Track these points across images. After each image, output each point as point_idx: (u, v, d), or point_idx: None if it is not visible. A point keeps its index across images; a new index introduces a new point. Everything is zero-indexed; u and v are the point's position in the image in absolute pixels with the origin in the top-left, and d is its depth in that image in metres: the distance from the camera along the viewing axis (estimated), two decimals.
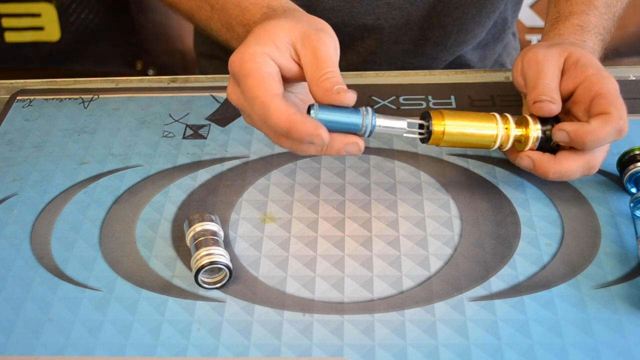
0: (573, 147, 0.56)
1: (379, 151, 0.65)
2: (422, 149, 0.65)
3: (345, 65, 0.83)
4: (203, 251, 0.52)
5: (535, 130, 0.57)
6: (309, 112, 0.52)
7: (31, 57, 1.62)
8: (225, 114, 0.70)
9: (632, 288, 0.52)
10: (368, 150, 0.65)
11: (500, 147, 0.57)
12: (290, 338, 0.50)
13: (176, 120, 0.70)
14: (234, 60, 0.53)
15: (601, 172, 0.62)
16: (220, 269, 0.53)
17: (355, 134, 0.53)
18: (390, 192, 0.61)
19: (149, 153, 0.66)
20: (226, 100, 0.71)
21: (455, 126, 0.55)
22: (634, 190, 0.60)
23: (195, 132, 0.68)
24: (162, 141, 0.67)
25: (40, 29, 1.59)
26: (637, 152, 0.59)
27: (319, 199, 0.60)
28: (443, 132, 0.55)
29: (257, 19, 0.59)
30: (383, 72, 0.76)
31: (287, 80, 0.54)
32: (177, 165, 0.64)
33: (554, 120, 0.57)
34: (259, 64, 0.52)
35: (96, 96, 0.73)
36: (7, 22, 1.59)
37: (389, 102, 0.71)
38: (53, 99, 0.73)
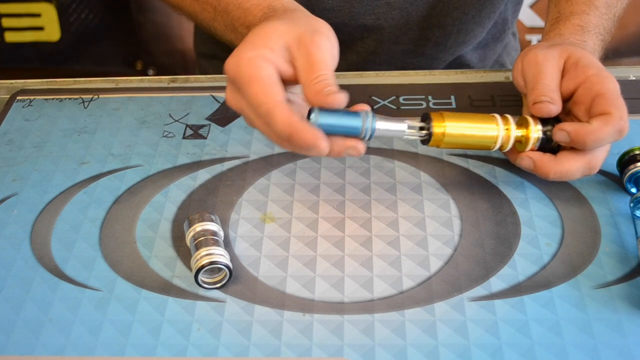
0: (574, 148, 0.56)
1: (379, 151, 0.65)
2: (422, 149, 0.65)
3: (345, 65, 0.83)
4: (203, 251, 0.52)
5: (535, 131, 0.56)
6: (309, 115, 0.52)
7: (31, 57, 1.62)
8: (225, 114, 0.70)
9: (632, 288, 0.52)
10: (368, 150, 0.65)
11: (500, 148, 0.57)
12: (290, 338, 0.50)
13: (176, 120, 0.70)
14: (230, 65, 0.53)
15: (601, 172, 0.62)
16: (220, 269, 0.53)
17: (356, 137, 0.53)
18: (390, 192, 0.61)
19: (149, 153, 0.66)
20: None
21: (456, 128, 0.55)
22: (634, 190, 0.60)
23: (195, 132, 0.68)
24: (162, 141, 0.67)
25: (40, 29, 1.59)
26: (637, 152, 0.59)
27: (319, 199, 0.60)
28: (443, 134, 0.55)
29: (259, 19, 0.58)
30: (383, 72, 0.76)
31: (285, 83, 0.54)
32: (177, 165, 0.64)
33: (555, 120, 0.57)
34: (258, 69, 0.52)
35: (96, 96, 0.73)
36: (7, 22, 1.59)
37: (389, 102, 0.71)
38: (53, 99, 0.73)
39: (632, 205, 0.57)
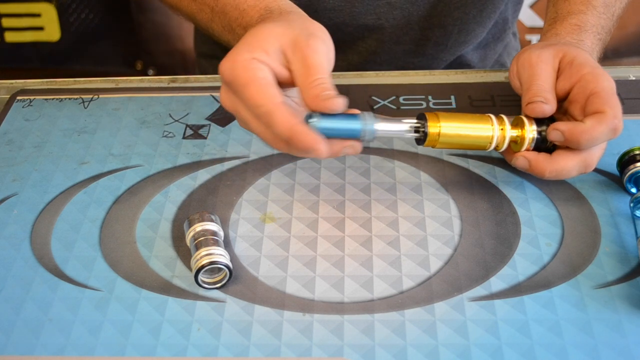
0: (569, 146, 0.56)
1: (379, 151, 0.65)
2: (422, 149, 0.65)
3: (346, 65, 0.83)
4: (203, 251, 0.52)
5: (530, 131, 0.57)
6: (308, 118, 0.52)
7: (31, 57, 1.62)
8: (225, 114, 0.70)
9: (632, 288, 0.52)
10: (368, 150, 0.65)
11: (496, 148, 0.58)
12: (290, 338, 0.50)
13: (176, 120, 0.70)
14: (225, 67, 0.52)
15: (601, 172, 0.62)
16: (220, 269, 0.53)
17: (356, 139, 0.53)
18: (390, 192, 0.61)
19: (149, 153, 0.66)
20: None
21: (451, 128, 0.56)
22: (634, 190, 0.60)
23: (195, 132, 0.68)
24: (162, 141, 0.67)
25: (40, 29, 1.59)
26: (637, 152, 0.59)
27: (319, 199, 0.60)
28: (439, 134, 0.55)
29: (255, 21, 0.58)
30: (383, 72, 0.76)
31: (280, 86, 0.54)
32: (177, 165, 0.64)
33: (550, 120, 0.57)
34: (254, 71, 0.52)
35: (96, 96, 0.73)
36: (7, 22, 1.59)
37: (389, 102, 0.71)
38: (53, 99, 0.73)
39: (632, 205, 0.57)
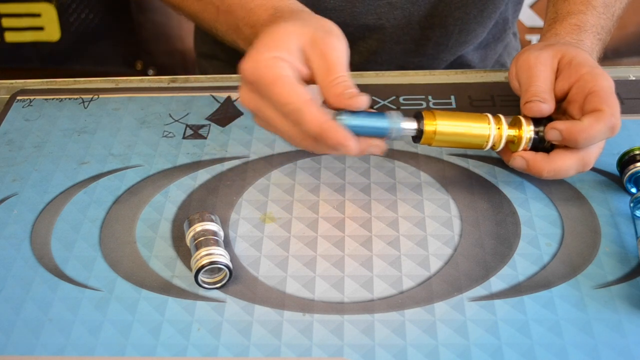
0: (567, 145, 0.56)
1: None
2: (422, 149, 0.65)
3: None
4: (203, 251, 0.52)
5: (528, 132, 0.57)
6: (337, 116, 0.53)
7: (31, 57, 1.62)
8: (225, 114, 0.70)
9: (632, 288, 0.52)
10: None
11: (493, 148, 0.58)
12: (290, 338, 0.50)
13: (176, 120, 0.70)
14: (247, 67, 0.53)
15: (601, 172, 0.62)
16: (220, 269, 0.53)
17: (382, 137, 0.54)
18: (390, 192, 0.61)
19: (149, 153, 0.66)
20: (226, 100, 0.71)
21: (447, 126, 0.56)
22: (634, 190, 0.60)
23: (195, 132, 0.68)
24: (162, 141, 0.67)
25: (40, 29, 1.59)
26: (637, 152, 0.59)
27: (319, 199, 0.60)
28: (434, 132, 0.56)
29: (264, 20, 0.58)
30: (383, 72, 0.76)
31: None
32: (177, 165, 0.64)
33: (548, 120, 0.57)
34: (278, 69, 0.52)
35: (96, 96, 0.73)
36: (7, 22, 1.59)
37: (389, 102, 0.71)
38: (53, 99, 0.73)
39: (632, 205, 0.57)
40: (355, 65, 0.83)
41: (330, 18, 0.65)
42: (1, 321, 0.51)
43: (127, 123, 0.69)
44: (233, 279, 0.53)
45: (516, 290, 0.52)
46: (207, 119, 0.70)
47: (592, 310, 0.51)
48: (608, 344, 0.48)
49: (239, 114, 0.70)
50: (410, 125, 0.56)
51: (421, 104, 0.70)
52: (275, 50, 0.53)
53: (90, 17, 1.57)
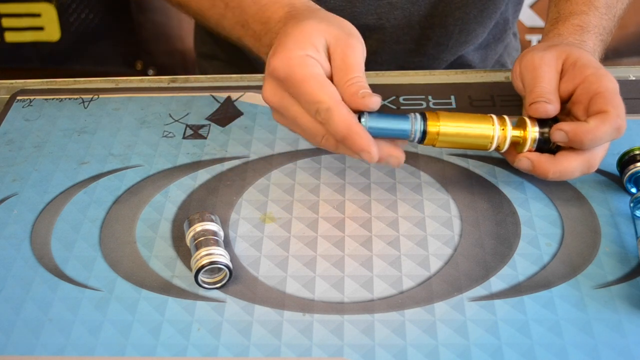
0: (572, 147, 0.56)
1: None
2: (422, 149, 0.65)
3: None
4: (203, 251, 0.52)
5: (533, 132, 0.57)
6: (359, 119, 0.53)
7: (31, 57, 1.62)
8: (225, 114, 0.70)
9: (632, 288, 0.52)
10: None
11: (497, 149, 0.57)
12: (290, 338, 0.50)
13: (176, 120, 0.70)
14: (278, 64, 0.53)
15: (601, 172, 0.62)
16: (220, 269, 0.53)
17: (404, 139, 0.56)
18: (390, 192, 0.61)
19: (149, 153, 0.66)
20: (226, 100, 0.71)
21: (451, 127, 0.56)
22: (634, 190, 0.60)
23: (195, 132, 0.68)
24: (162, 141, 0.67)
25: (40, 29, 1.59)
26: (637, 152, 0.59)
27: (319, 199, 0.60)
28: (438, 133, 0.56)
29: (280, 17, 0.58)
30: (383, 72, 0.76)
31: None
32: (177, 165, 0.64)
33: (553, 121, 0.57)
34: (311, 67, 0.53)
35: (96, 96, 0.73)
36: (7, 22, 1.59)
37: (389, 102, 0.71)
38: (53, 99, 0.73)
39: (632, 205, 0.57)
40: None
41: None
42: (1, 321, 0.51)
43: (127, 123, 0.69)
44: (233, 279, 0.53)
45: (516, 290, 0.52)
46: (207, 119, 0.70)
47: (592, 310, 0.51)
48: (608, 344, 0.48)
49: (239, 114, 0.70)
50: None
51: (421, 104, 0.70)
52: (305, 48, 0.53)
53: (90, 17, 1.57)
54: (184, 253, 0.56)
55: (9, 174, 0.64)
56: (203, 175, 0.63)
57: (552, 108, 0.56)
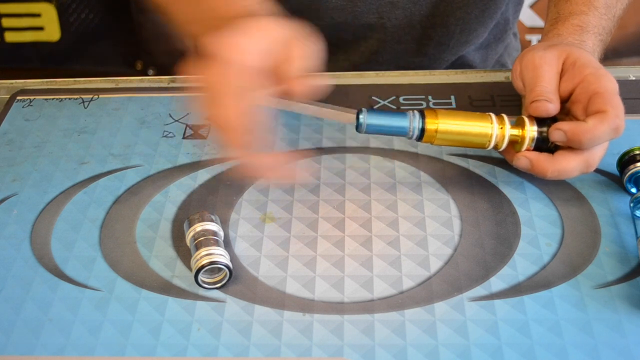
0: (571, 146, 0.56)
1: (379, 151, 0.65)
2: (422, 149, 0.65)
3: (348, 64, 0.83)
4: (203, 251, 0.52)
5: (531, 131, 0.57)
6: (358, 116, 0.54)
7: (31, 57, 1.62)
8: None
9: (632, 288, 0.52)
10: (368, 150, 0.65)
11: (496, 147, 0.58)
12: (290, 338, 0.50)
13: (176, 120, 0.70)
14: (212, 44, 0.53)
15: (601, 172, 0.62)
16: (220, 269, 0.53)
17: (403, 136, 0.56)
18: (390, 192, 0.61)
19: (149, 153, 0.66)
20: None
21: (449, 125, 0.56)
22: (634, 190, 0.60)
23: (195, 132, 0.68)
24: (162, 141, 0.67)
25: (40, 29, 1.59)
26: (637, 152, 0.59)
27: (319, 199, 0.60)
28: (436, 131, 0.56)
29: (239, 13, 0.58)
30: (383, 72, 0.76)
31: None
32: (177, 165, 0.64)
33: (552, 121, 0.57)
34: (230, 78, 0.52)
35: (96, 96, 0.73)
36: (7, 22, 1.59)
37: (389, 102, 0.71)
38: (53, 99, 0.73)
39: (632, 205, 0.57)
40: (356, 65, 0.84)
41: (332, 17, 0.65)
42: (1, 321, 0.51)
43: (127, 123, 0.69)
44: (233, 279, 0.53)
45: (516, 290, 0.52)
46: (207, 118, 0.69)
47: (592, 310, 0.51)
48: (608, 344, 0.48)
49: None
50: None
51: (421, 104, 0.70)
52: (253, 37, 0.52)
53: (90, 17, 1.57)
54: (184, 253, 0.56)
55: (9, 174, 0.64)
56: (203, 175, 0.63)
57: (552, 107, 0.56)
